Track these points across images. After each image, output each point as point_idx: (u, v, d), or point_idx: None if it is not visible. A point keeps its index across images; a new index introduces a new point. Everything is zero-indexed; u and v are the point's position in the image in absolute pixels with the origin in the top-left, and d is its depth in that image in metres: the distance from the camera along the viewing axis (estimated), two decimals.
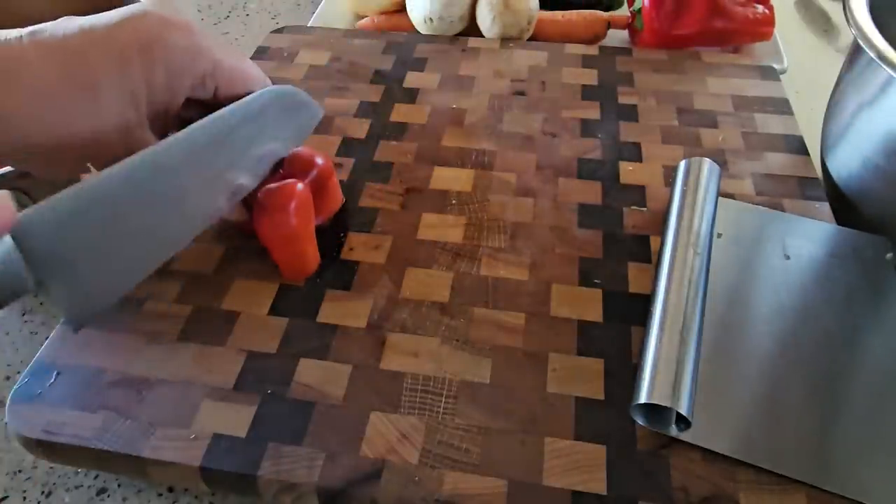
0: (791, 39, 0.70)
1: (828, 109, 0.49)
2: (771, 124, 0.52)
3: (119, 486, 0.37)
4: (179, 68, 0.32)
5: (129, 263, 0.30)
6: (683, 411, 0.32)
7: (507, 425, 0.34)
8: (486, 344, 0.37)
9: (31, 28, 0.30)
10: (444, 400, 0.35)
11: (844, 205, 0.45)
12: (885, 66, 0.38)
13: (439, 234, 0.44)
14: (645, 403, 0.32)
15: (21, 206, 0.39)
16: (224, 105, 0.35)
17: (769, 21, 0.61)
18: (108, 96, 0.30)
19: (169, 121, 0.34)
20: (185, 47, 0.32)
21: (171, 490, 0.37)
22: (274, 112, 0.38)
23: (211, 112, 0.35)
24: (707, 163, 0.44)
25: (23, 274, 0.24)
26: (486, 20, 0.61)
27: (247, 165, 0.37)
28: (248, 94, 0.36)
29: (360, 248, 0.43)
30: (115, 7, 0.34)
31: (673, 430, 0.33)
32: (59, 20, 0.31)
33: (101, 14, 0.31)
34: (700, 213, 0.41)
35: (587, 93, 0.55)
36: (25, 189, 0.39)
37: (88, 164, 0.30)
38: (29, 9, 0.38)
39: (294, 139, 0.40)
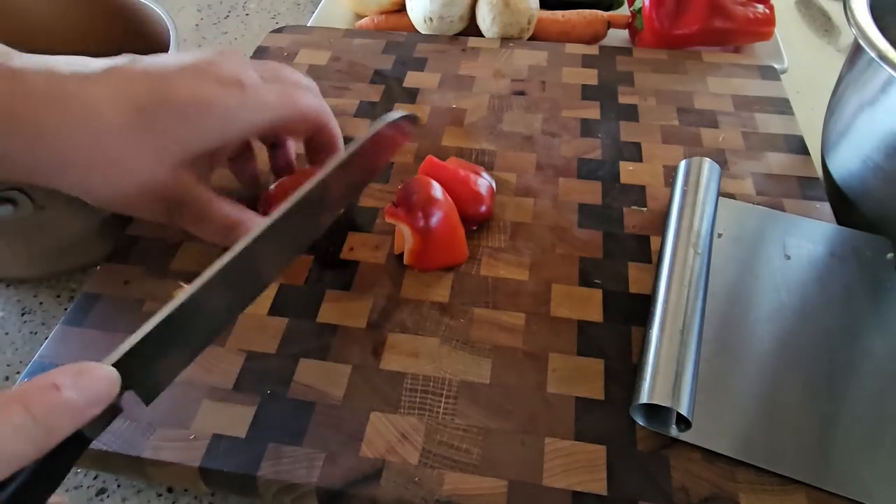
0: (791, 39, 0.70)
1: (828, 109, 0.49)
2: (771, 124, 0.52)
3: (119, 486, 0.37)
4: (229, 125, 0.34)
5: (203, 343, 0.30)
6: (683, 411, 0.31)
7: (507, 425, 0.34)
8: (486, 344, 0.37)
9: (102, 65, 0.32)
10: (444, 400, 0.35)
11: (845, 204, 0.45)
12: (885, 66, 0.38)
13: None
14: (645, 404, 0.32)
15: (16, 204, 0.39)
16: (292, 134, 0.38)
17: (769, 21, 0.61)
18: (164, 150, 0.33)
19: (220, 164, 0.37)
20: (237, 105, 0.34)
21: (170, 490, 0.37)
22: (371, 150, 0.38)
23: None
24: (707, 163, 0.44)
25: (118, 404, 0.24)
26: (486, 20, 0.61)
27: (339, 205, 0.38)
28: (316, 121, 0.38)
29: (360, 248, 0.43)
30: (119, 12, 0.35)
31: (673, 431, 0.33)
32: (127, 61, 0.33)
33: (165, 59, 0.33)
34: (700, 213, 0.41)
35: (587, 93, 0.55)
36: (25, 189, 0.39)
37: (180, 283, 0.31)
38: (35, 9, 0.38)
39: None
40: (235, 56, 0.35)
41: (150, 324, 0.26)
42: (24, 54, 0.31)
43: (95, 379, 0.22)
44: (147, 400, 0.26)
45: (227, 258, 0.29)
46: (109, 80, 0.32)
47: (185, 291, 0.27)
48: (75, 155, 0.31)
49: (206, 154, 0.35)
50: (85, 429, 0.22)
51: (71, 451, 0.22)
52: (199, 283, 0.27)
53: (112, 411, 0.23)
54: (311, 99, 0.38)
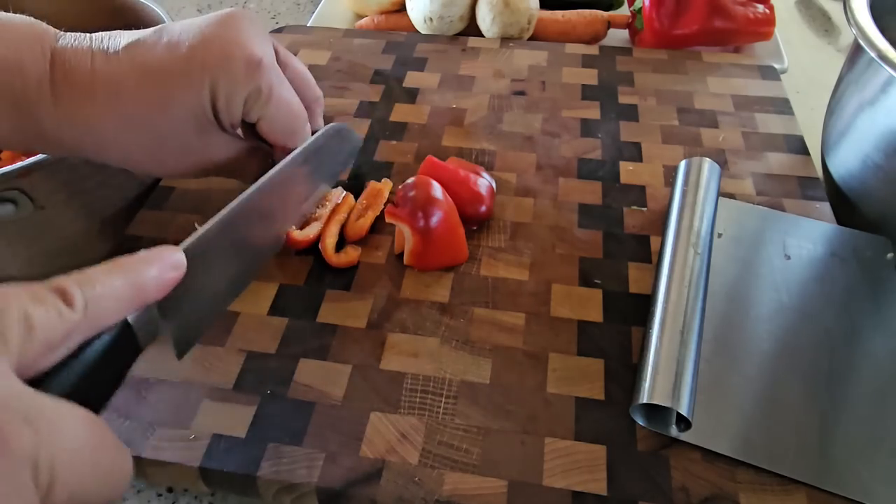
0: (791, 39, 0.70)
1: (828, 109, 0.49)
2: (771, 124, 0.52)
3: None
4: (238, 94, 0.36)
5: (219, 297, 0.34)
6: (684, 411, 0.31)
7: (507, 425, 0.34)
8: (486, 344, 0.37)
9: (127, 40, 0.35)
10: (444, 400, 0.35)
11: (845, 205, 0.45)
12: (885, 66, 0.38)
13: None
14: (645, 404, 0.32)
15: (16, 204, 0.39)
16: (265, 132, 0.39)
17: (769, 21, 0.61)
18: (178, 109, 0.35)
19: (232, 127, 0.38)
20: (246, 76, 0.35)
21: (170, 490, 0.37)
22: (328, 149, 0.42)
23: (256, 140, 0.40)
24: (707, 163, 0.44)
25: (157, 324, 0.28)
26: (486, 20, 0.61)
27: (312, 195, 0.42)
28: (288, 126, 0.39)
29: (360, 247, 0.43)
30: (118, 11, 0.35)
31: (673, 431, 0.33)
32: (151, 32, 0.35)
33: (184, 25, 0.36)
34: (700, 213, 0.41)
35: (587, 92, 0.55)
36: (25, 189, 0.39)
37: (195, 223, 0.33)
38: (32, 9, 0.39)
39: (342, 168, 0.46)
40: (256, 26, 0.37)
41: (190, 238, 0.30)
42: (65, 34, 0.34)
43: (171, 260, 0.27)
44: (180, 352, 0.30)
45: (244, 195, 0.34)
46: (134, 59, 0.34)
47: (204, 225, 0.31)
48: (109, 132, 0.34)
49: (219, 116, 0.37)
50: (139, 329, 0.26)
51: (129, 353, 0.26)
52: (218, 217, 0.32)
53: (156, 330, 0.28)
54: (301, 107, 0.40)
